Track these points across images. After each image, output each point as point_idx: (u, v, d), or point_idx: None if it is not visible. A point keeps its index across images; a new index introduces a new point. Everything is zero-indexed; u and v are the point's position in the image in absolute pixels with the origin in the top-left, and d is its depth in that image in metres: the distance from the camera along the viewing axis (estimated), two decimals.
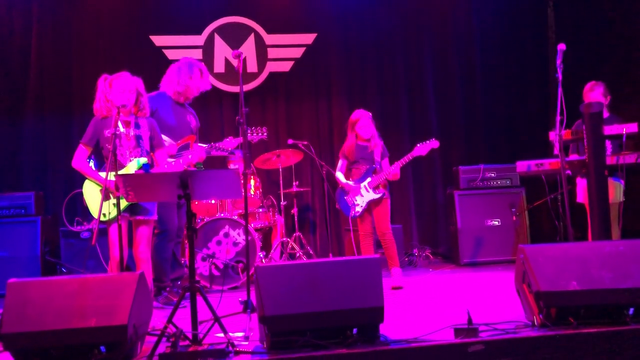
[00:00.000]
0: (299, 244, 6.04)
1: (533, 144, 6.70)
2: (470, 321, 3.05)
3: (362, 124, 5.07)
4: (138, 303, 3.00)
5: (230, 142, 4.59)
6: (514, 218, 6.12)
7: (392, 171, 5.00)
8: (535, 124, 6.94)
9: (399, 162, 4.97)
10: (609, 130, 4.08)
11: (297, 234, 6.05)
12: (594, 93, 4.76)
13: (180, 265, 4.97)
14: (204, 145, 4.57)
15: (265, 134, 4.87)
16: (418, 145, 5.00)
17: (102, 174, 3.76)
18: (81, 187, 3.88)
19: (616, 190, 4.55)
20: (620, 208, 4.61)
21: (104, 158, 3.85)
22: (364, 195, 5.05)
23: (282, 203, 6.10)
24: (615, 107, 5.31)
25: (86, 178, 3.87)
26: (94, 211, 3.77)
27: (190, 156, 4.38)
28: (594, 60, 6.56)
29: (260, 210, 5.98)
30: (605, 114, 4.69)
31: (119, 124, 3.73)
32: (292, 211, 6.20)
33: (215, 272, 5.35)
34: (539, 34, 7.09)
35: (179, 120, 4.67)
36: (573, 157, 4.56)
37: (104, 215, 3.69)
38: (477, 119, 7.13)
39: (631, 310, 3.04)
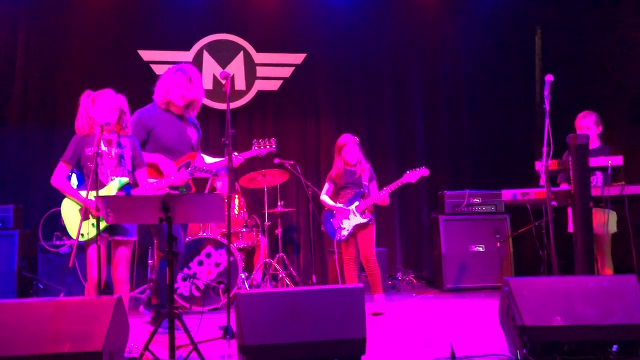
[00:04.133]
0: (282, 265, 5.98)
1: (519, 170, 6.73)
2: (453, 355, 3.02)
3: (348, 150, 5.05)
4: (114, 328, 2.92)
5: (216, 164, 4.42)
6: (498, 244, 6.12)
7: (381, 196, 4.98)
8: (521, 150, 6.97)
9: (388, 187, 4.97)
10: (594, 162, 4.09)
11: (281, 254, 5.98)
12: (586, 120, 4.79)
13: None
14: (187, 169, 4.41)
15: (274, 146, 4.48)
16: (408, 172, 5.00)
17: (83, 193, 3.68)
18: (60, 204, 3.78)
19: (610, 220, 4.55)
20: (610, 240, 4.61)
21: (85, 176, 3.77)
22: (351, 220, 5.02)
23: (266, 223, 6.04)
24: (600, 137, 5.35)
25: (65, 196, 3.77)
26: (72, 231, 3.67)
27: (172, 177, 4.24)
28: (581, 89, 6.63)
29: (244, 229, 5.93)
30: (597, 143, 4.72)
31: (101, 142, 3.66)
32: (276, 231, 6.14)
33: (196, 293, 5.27)
34: (526, 62, 7.15)
35: (179, 137, 4.41)
36: (563, 186, 4.57)
37: (82, 235, 3.60)
38: (464, 144, 7.17)
39: (614, 347, 3.03)
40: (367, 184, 5.08)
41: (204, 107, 6.32)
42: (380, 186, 5.07)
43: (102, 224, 3.58)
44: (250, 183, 6.09)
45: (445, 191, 6.34)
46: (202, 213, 3.31)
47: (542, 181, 4.03)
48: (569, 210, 4.94)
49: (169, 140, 4.36)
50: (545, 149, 3.84)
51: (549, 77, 3.95)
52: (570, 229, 4.92)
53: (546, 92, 3.92)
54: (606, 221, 4.51)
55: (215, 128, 6.73)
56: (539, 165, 4.01)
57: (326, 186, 5.23)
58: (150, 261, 5.49)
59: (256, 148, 4.49)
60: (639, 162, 5.89)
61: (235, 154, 4.37)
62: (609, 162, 4.11)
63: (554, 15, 6.95)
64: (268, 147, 4.47)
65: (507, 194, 4.31)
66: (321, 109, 7.05)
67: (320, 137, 6.99)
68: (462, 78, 7.20)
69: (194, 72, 4.46)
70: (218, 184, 6.09)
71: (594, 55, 6.61)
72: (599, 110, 4.96)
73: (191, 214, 3.26)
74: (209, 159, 4.59)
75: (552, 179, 4.34)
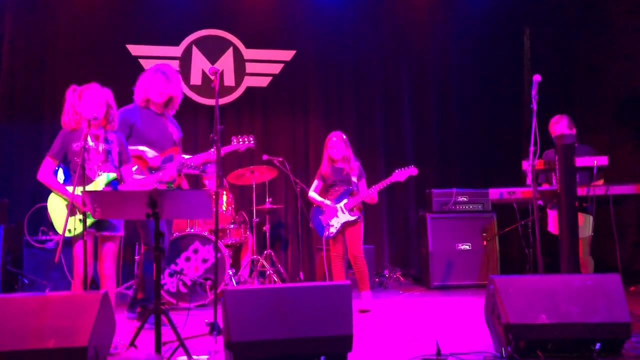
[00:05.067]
0: (270, 262, 5.98)
1: (505, 169, 6.77)
2: (439, 352, 3.04)
3: (332, 145, 5.07)
4: (100, 324, 2.92)
5: (199, 157, 4.42)
6: (485, 243, 6.15)
7: (370, 194, 4.99)
8: (508, 149, 7.00)
9: (377, 186, 4.98)
10: (580, 162, 4.14)
11: (268, 251, 5.98)
12: (559, 125, 4.86)
13: None
14: (173, 163, 4.45)
15: (253, 142, 4.52)
16: (397, 171, 5.00)
17: (69, 188, 3.66)
18: (47, 198, 3.76)
19: (587, 224, 4.60)
20: (589, 241, 4.66)
21: (71, 171, 3.74)
22: (340, 217, 5.02)
23: (254, 220, 6.03)
24: (586, 138, 5.42)
25: (51, 191, 3.74)
26: (58, 226, 3.66)
27: (161, 173, 4.28)
28: (568, 89, 6.69)
29: (232, 226, 5.91)
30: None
31: (88, 137, 3.64)
32: (264, 228, 6.13)
33: (183, 289, 5.26)
34: (514, 61, 7.18)
35: (160, 132, 4.52)
36: (544, 186, 4.61)
37: (69, 231, 3.58)
38: (452, 142, 7.19)
39: (597, 345, 3.06)
40: (356, 181, 5.08)
41: (193, 103, 6.58)
42: (370, 184, 5.08)
43: (89, 220, 3.56)
44: (239, 179, 6.08)
45: (433, 189, 6.36)
46: (189, 209, 3.30)
47: (529, 180, 4.07)
48: (548, 211, 5.01)
49: (151, 135, 4.45)
50: (532, 149, 3.87)
51: (537, 77, 3.98)
52: (550, 228, 5.00)
53: (534, 92, 3.95)
54: (584, 225, 4.56)
55: (204, 124, 6.71)
56: (526, 165, 4.05)
57: (315, 183, 5.23)
58: (137, 257, 5.48)
59: (235, 143, 4.51)
60: (622, 163, 5.97)
61: (213, 150, 4.41)
62: (595, 162, 4.15)
63: (543, 16, 6.97)
64: (247, 142, 4.51)
65: (494, 193, 4.35)
66: (310, 106, 7.03)
67: (309, 134, 6.97)
68: (451, 77, 7.21)
69: (172, 70, 4.58)
70: (207, 182, 6.08)
71: (582, 55, 6.67)
72: (586, 110, 5.02)
73: (179, 209, 3.26)
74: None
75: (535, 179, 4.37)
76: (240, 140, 4.53)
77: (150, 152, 4.42)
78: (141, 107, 4.53)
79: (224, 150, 4.44)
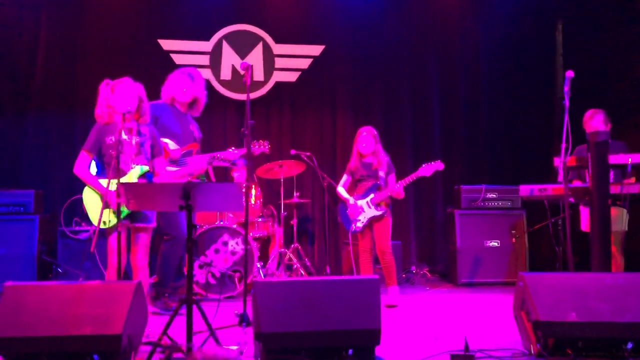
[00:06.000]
0: (297, 256, 5.99)
1: (536, 166, 6.68)
2: (467, 347, 3.03)
3: (362, 139, 5.06)
4: (133, 313, 2.98)
5: (232, 154, 4.51)
6: (514, 240, 6.07)
7: (396, 189, 4.96)
8: (539, 146, 6.91)
9: (403, 181, 4.93)
10: (614, 159, 4.06)
11: (295, 245, 5.97)
12: (594, 121, 4.78)
13: (183, 274, 4.91)
14: (205, 155, 4.55)
15: (267, 147, 4.67)
16: (423, 165, 4.98)
17: (104, 182, 3.74)
18: (81, 190, 3.85)
19: (622, 218, 4.50)
20: (622, 237, 4.58)
21: (105, 164, 3.82)
22: (366, 211, 5.01)
23: (282, 213, 6.03)
24: (621, 134, 5.30)
25: (86, 185, 3.83)
26: (93, 218, 3.74)
27: (191, 166, 4.38)
28: (601, 85, 6.56)
29: (260, 219, 5.94)
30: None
31: (122, 131, 3.70)
32: (292, 222, 6.13)
33: (212, 281, 5.32)
34: (546, 57, 7.06)
35: (183, 128, 4.68)
36: (576, 183, 4.54)
37: (104, 223, 3.66)
38: (481, 138, 7.10)
39: (629, 345, 3.01)
40: (383, 176, 5.06)
41: (222, 98, 6.65)
42: (398, 180, 5.07)
43: (124, 211, 3.63)
44: (267, 174, 6.09)
45: (462, 185, 6.27)
46: (221, 202, 3.34)
47: (560, 177, 4.01)
48: (581, 209, 4.92)
49: (174, 129, 4.60)
50: (564, 145, 3.83)
51: (570, 74, 3.93)
52: (583, 227, 4.92)
53: (566, 88, 3.90)
54: (618, 219, 4.48)
55: (233, 119, 6.73)
56: (558, 162, 3.99)
57: (344, 178, 5.21)
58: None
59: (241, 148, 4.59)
60: None
61: (232, 148, 4.53)
62: (629, 159, 4.07)
63: (576, 10, 6.84)
64: (261, 147, 4.64)
65: (525, 190, 4.30)
66: (338, 101, 6.99)
67: (337, 129, 6.94)
68: (481, 72, 7.12)
69: (197, 73, 4.85)
70: (235, 175, 6.13)
71: (615, 50, 6.52)
72: (620, 105, 4.90)
73: (211, 202, 3.30)
74: None
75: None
76: (256, 145, 4.63)
77: (171, 144, 4.60)
78: (167, 104, 4.73)
79: (238, 153, 4.51)
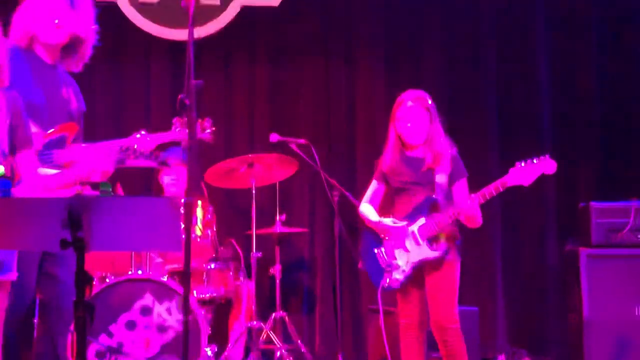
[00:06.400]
0: (282, 333, 4.64)
1: None
2: None
3: (403, 114, 3.84)
4: None
5: (157, 137, 3.23)
6: None
7: (469, 208, 3.77)
8: None
9: (479, 194, 3.78)
10: None
11: (279, 313, 4.51)
12: None
13: None
14: (110, 144, 3.24)
15: (209, 130, 3.23)
16: (517, 165, 3.78)
17: None
18: None
19: None
20: None
21: None
22: (412, 251, 3.89)
23: (255, 254, 4.44)
24: None
25: None
26: None
27: (86, 167, 3.27)
28: None
29: (213, 265, 4.51)
30: None
31: None
32: (272, 270, 4.60)
33: None
34: None
35: (48, 94, 3.44)
36: None
37: None
38: (625, 124, 5.39)
39: None
40: (443, 183, 3.82)
41: (143, 37, 5.12)
42: (471, 191, 3.81)
43: None
44: (226, 179, 4.51)
45: (592, 202, 4.62)
46: (140, 233, 2.40)
47: None
48: None
49: (33, 97, 3.41)
50: None
51: None
52: None
53: None
54: None
55: (164, 76, 5.00)
56: None
57: (373, 186, 4.01)
58: (36, 319, 4.07)
59: (178, 130, 3.24)
60: None
61: (143, 132, 3.32)
62: None
63: None
64: (203, 131, 3.31)
65: None
66: (361, 43, 5.09)
67: (356, 95, 5.06)
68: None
69: None
70: (166, 180, 4.68)
71: None
72: None
73: (120, 233, 2.37)
74: None
75: None
76: (200, 125, 3.35)
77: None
78: (21, 49, 3.54)
79: (159, 138, 3.27)
